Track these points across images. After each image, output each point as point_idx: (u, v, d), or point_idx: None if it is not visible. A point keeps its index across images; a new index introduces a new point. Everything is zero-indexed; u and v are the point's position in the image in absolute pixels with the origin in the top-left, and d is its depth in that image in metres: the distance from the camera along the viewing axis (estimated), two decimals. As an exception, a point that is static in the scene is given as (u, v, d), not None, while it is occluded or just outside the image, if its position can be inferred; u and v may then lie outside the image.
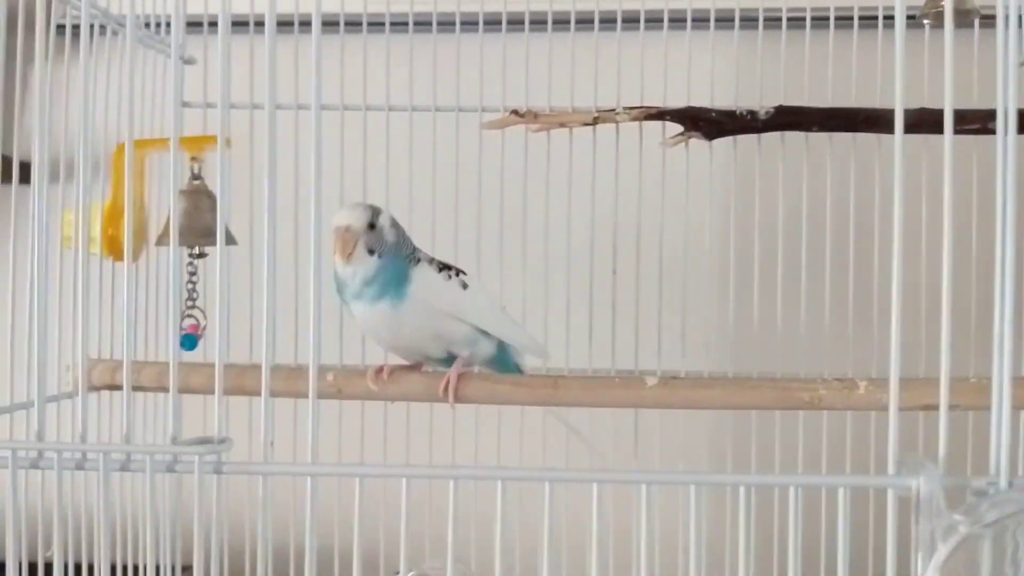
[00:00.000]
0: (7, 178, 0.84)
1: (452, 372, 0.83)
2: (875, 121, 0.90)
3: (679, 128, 0.95)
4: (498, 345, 0.87)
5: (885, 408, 0.80)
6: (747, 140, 0.98)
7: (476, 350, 0.85)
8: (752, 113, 0.94)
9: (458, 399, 0.83)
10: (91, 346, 1.04)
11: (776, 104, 0.94)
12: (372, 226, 0.80)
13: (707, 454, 1.04)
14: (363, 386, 0.84)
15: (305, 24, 1.04)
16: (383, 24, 1.04)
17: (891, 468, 0.49)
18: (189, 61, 1.05)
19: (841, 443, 0.98)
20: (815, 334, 1.00)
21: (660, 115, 0.94)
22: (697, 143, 0.97)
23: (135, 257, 0.95)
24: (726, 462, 1.01)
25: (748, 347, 1.02)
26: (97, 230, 0.90)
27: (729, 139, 0.97)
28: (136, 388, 0.89)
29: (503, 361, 0.87)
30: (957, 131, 0.53)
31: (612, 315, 1.02)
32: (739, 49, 1.01)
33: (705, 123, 0.94)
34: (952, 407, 0.51)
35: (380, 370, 0.84)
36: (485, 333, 0.85)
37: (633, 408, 0.85)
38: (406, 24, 1.04)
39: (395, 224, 0.83)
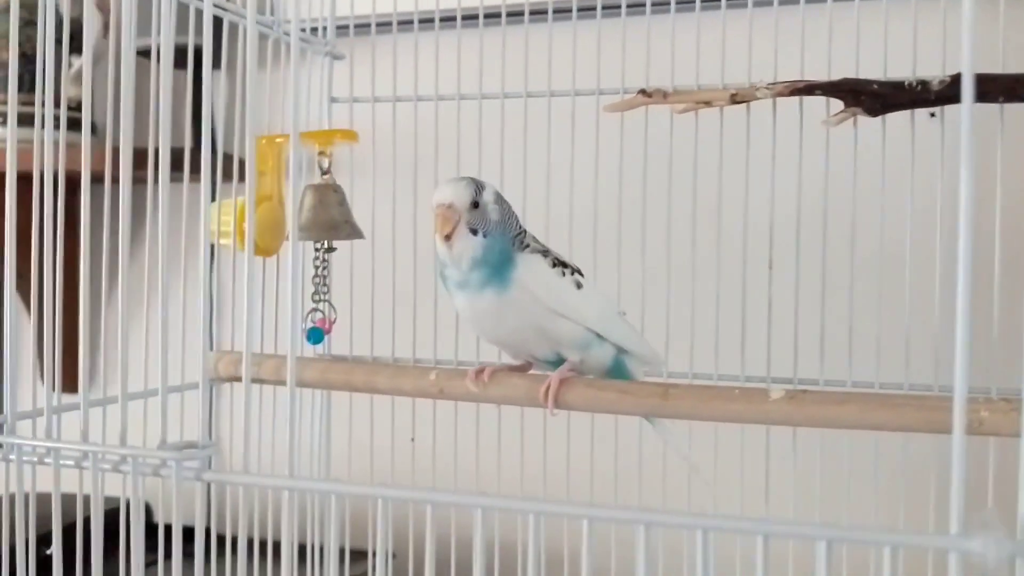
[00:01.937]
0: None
1: (555, 376, 0.77)
2: (1077, 86, 0.73)
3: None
4: (615, 354, 0.79)
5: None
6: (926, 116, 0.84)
7: (589, 355, 0.78)
8: (923, 83, 0.80)
9: (559, 405, 0.77)
10: (225, 338, 1.08)
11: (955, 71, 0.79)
12: (475, 204, 0.76)
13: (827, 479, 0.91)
14: (465, 387, 0.80)
15: (446, 20, 1.02)
16: (499, 15, 0.99)
17: (954, 526, 0.38)
18: (338, 56, 1.06)
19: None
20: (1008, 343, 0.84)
21: (809, 89, 0.82)
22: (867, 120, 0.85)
23: (273, 251, 0.96)
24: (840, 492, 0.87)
25: (925, 356, 0.88)
26: (233, 225, 0.92)
27: (906, 115, 0.84)
28: (255, 380, 0.90)
29: (620, 372, 0.80)
30: None
31: (768, 315, 0.92)
32: (917, 9, 0.87)
33: (867, 96, 0.81)
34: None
35: (481, 371, 0.79)
36: (600, 338, 0.78)
37: (755, 424, 0.74)
38: (521, 14, 0.99)
39: (500, 200, 0.77)
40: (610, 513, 0.49)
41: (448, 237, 0.75)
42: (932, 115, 0.86)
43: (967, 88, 0.41)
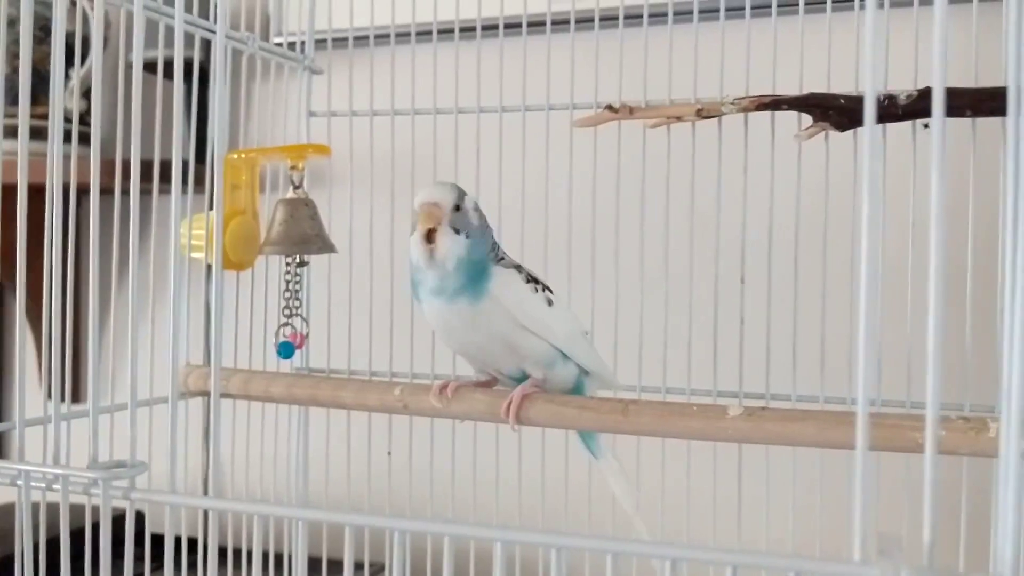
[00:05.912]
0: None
1: (517, 392, 0.76)
2: (1042, 99, 0.72)
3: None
4: (578, 374, 0.79)
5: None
6: (898, 129, 0.83)
7: (552, 373, 0.78)
8: (891, 98, 0.79)
9: (521, 421, 0.76)
10: (196, 353, 1.08)
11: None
12: (457, 207, 0.75)
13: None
14: (429, 402, 0.80)
15: (423, 35, 1.02)
16: (474, 29, 0.98)
17: (856, 553, 0.37)
18: (316, 71, 1.07)
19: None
20: (977, 361, 0.82)
21: (775, 104, 0.81)
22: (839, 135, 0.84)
23: (246, 265, 0.96)
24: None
25: (898, 372, 0.87)
26: (205, 239, 0.93)
27: (876, 130, 0.83)
28: (224, 395, 0.90)
29: (579, 392, 0.80)
30: None
31: (740, 329, 0.91)
32: (889, 23, 0.86)
33: (834, 111, 0.81)
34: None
35: (445, 386, 0.79)
36: (565, 357, 0.78)
37: (714, 441, 0.74)
38: (496, 28, 0.98)
39: (478, 210, 0.77)
40: (578, 542, 0.48)
41: (431, 236, 0.74)
42: (925, 126, 0.85)
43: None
